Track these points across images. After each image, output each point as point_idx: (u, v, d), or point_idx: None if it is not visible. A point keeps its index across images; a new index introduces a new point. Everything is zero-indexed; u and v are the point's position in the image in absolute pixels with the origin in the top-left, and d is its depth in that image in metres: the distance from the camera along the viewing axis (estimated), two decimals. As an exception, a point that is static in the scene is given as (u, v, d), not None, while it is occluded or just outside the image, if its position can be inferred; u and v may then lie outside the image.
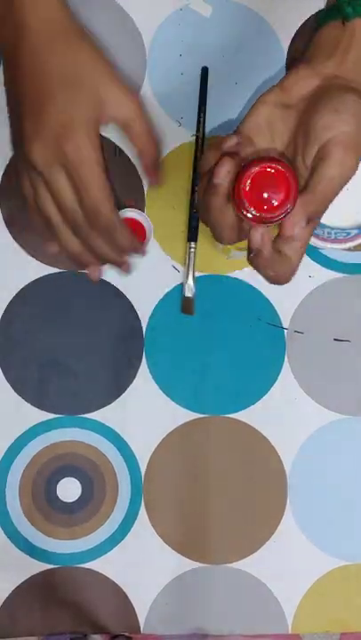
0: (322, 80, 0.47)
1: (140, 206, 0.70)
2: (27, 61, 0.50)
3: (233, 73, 0.71)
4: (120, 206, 0.68)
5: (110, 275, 0.69)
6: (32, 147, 0.49)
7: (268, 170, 0.45)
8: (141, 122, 0.54)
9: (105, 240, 0.54)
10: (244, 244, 0.67)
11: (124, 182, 0.70)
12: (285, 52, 0.72)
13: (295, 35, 0.71)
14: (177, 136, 0.71)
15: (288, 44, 0.72)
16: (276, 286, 0.69)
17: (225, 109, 0.71)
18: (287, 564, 0.69)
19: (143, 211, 0.70)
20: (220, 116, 0.71)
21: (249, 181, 0.45)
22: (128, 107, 0.52)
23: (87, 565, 0.68)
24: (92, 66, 0.51)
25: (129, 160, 0.70)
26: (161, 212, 0.70)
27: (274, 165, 0.45)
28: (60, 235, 0.55)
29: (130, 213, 0.68)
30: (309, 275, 0.71)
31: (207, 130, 0.71)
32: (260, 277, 0.70)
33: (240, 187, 0.45)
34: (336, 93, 0.45)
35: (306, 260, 0.70)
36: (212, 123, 0.71)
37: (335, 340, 0.71)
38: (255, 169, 0.45)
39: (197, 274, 0.70)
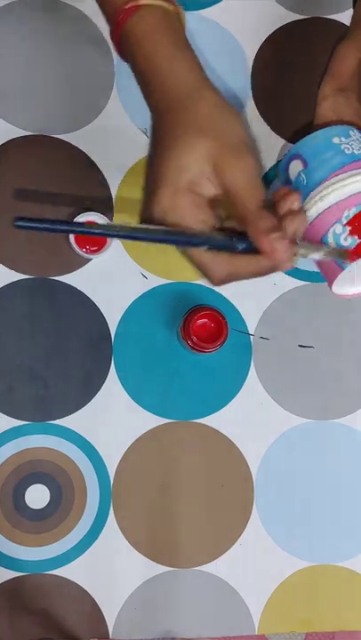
0: None
1: (107, 213, 0.70)
2: (155, 123, 0.50)
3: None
4: (82, 209, 0.69)
5: (79, 282, 0.70)
6: (150, 203, 0.48)
7: None
8: (245, 195, 0.48)
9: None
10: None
11: (93, 189, 0.71)
12: (249, 64, 0.73)
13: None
14: (143, 145, 0.71)
15: (252, 56, 0.73)
16: (241, 294, 0.71)
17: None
18: (254, 566, 0.70)
19: (112, 218, 0.71)
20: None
21: None
22: (236, 174, 0.48)
23: (55, 572, 0.68)
24: (207, 121, 0.49)
25: (97, 167, 0.71)
26: (129, 219, 0.71)
27: None
28: None
29: (91, 217, 0.69)
30: (274, 282, 0.73)
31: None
32: (225, 284, 0.72)
33: None
34: None
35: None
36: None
37: (300, 346, 0.73)
38: None
39: (165, 281, 0.71)
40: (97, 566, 0.68)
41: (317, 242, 0.55)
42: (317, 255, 0.49)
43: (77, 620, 0.68)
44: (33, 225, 0.45)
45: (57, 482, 0.68)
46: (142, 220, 0.48)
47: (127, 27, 0.52)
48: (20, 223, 0.44)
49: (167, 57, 0.51)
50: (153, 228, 0.46)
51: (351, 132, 0.56)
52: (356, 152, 0.55)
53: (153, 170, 0.48)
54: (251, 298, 0.72)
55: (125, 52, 0.53)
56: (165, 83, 0.50)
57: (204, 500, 0.70)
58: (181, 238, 0.46)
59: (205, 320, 0.66)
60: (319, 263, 0.59)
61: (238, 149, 0.47)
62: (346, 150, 0.55)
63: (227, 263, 0.48)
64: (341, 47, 0.50)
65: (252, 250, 0.46)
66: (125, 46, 0.53)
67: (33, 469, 0.68)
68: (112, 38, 0.54)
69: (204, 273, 0.48)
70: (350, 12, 0.74)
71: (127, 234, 0.46)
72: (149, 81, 0.51)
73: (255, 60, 0.74)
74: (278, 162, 0.72)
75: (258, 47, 0.74)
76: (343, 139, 0.56)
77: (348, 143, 0.56)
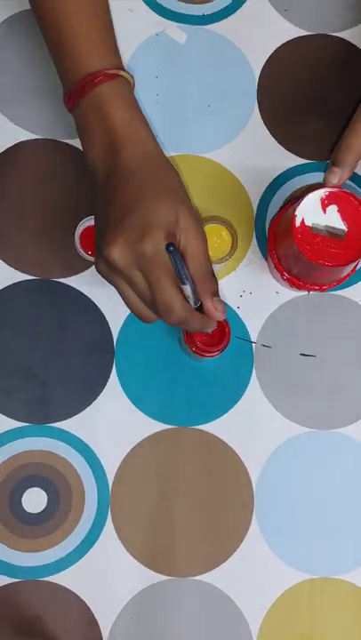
0: None
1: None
2: (119, 180, 0.58)
3: (205, 96, 0.74)
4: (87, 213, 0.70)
5: (82, 285, 0.70)
6: (112, 249, 0.55)
7: None
8: (200, 260, 0.58)
9: (181, 326, 0.59)
10: (217, 257, 0.69)
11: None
12: (256, 78, 0.75)
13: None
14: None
15: (258, 70, 0.75)
16: (244, 300, 0.71)
17: (198, 130, 0.73)
18: (253, 578, 0.69)
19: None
20: (194, 136, 0.73)
21: None
22: (195, 240, 0.58)
23: (51, 579, 0.67)
24: (176, 187, 0.60)
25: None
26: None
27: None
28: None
29: (92, 222, 0.69)
30: (277, 291, 0.73)
31: (181, 150, 0.73)
32: (228, 292, 0.72)
33: None
34: None
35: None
36: (185, 143, 0.73)
37: (302, 354, 0.72)
38: None
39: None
40: (93, 573, 0.67)
41: None
42: None
43: (71, 629, 0.66)
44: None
45: (55, 486, 0.68)
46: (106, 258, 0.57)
47: (102, 89, 0.61)
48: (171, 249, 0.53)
49: (142, 125, 0.62)
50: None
51: None
52: None
53: (134, 214, 0.55)
54: (253, 306, 0.72)
55: (86, 109, 0.61)
56: (144, 146, 0.60)
57: (203, 509, 0.69)
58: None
59: None
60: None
61: (197, 218, 0.58)
62: None
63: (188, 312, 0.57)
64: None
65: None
66: (90, 105, 0.61)
67: (30, 472, 0.67)
68: (75, 92, 0.61)
69: (167, 312, 0.56)
70: (355, 29, 0.77)
71: None
72: (125, 140, 0.59)
73: (261, 74, 0.75)
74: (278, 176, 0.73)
75: (264, 62, 0.75)
76: None
77: None
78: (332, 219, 0.61)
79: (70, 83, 0.62)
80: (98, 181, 0.60)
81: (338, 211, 0.61)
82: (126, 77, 0.63)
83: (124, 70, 0.63)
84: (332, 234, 0.59)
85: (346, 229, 0.61)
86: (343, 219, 0.62)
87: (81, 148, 0.71)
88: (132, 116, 0.61)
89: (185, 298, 0.57)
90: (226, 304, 0.71)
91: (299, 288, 0.69)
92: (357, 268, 0.70)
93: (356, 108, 0.65)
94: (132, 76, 0.64)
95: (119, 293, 0.60)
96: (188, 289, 0.56)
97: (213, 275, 0.59)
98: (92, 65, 0.61)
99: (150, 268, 0.55)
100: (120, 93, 0.61)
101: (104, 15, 0.65)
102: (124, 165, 0.59)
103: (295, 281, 0.68)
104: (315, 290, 0.69)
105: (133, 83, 0.64)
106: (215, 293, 0.58)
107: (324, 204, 0.61)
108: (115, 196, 0.58)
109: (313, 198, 0.61)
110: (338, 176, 0.63)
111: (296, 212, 0.60)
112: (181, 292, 0.56)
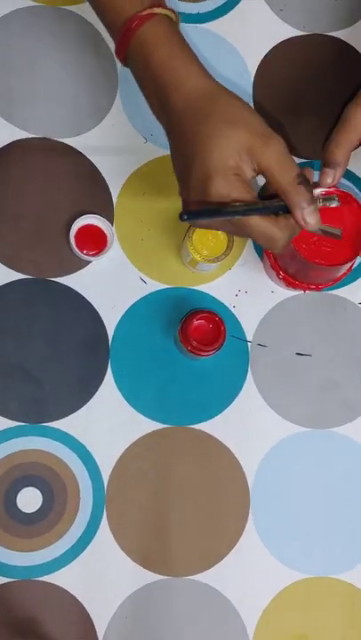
0: None
1: (108, 218, 0.71)
2: (174, 134, 0.56)
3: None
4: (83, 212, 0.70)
5: (77, 284, 0.70)
6: (186, 208, 0.56)
7: None
8: (280, 170, 0.54)
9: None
10: (213, 255, 0.69)
11: (94, 192, 0.71)
12: (251, 77, 0.75)
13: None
14: (145, 152, 0.73)
15: (254, 68, 0.75)
16: (240, 299, 0.71)
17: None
18: (249, 577, 0.68)
19: (112, 223, 0.71)
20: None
21: None
22: (267, 154, 0.53)
23: (46, 578, 0.66)
24: (230, 112, 0.54)
25: (99, 172, 0.72)
26: (129, 224, 0.72)
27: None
28: None
29: (90, 219, 0.69)
30: (272, 290, 0.73)
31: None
32: (224, 291, 0.72)
33: None
34: None
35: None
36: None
37: (297, 354, 0.72)
38: None
39: (163, 286, 0.71)
40: (88, 573, 0.67)
41: None
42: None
43: (66, 629, 0.66)
44: (196, 216, 0.54)
45: (50, 485, 0.67)
46: (188, 209, 0.56)
47: (140, 33, 0.56)
48: (185, 217, 0.53)
49: (183, 61, 0.56)
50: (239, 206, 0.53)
51: None
52: None
53: (195, 163, 0.53)
54: (249, 305, 0.72)
55: (134, 58, 0.57)
56: (186, 84, 0.55)
57: (198, 508, 0.69)
58: (260, 209, 0.53)
59: (202, 321, 0.66)
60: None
61: (266, 135, 0.53)
62: None
63: (286, 229, 0.54)
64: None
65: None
66: (135, 52, 0.56)
67: (25, 472, 0.67)
68: (120, 45, 0.57)
69: (270, 242, 0.54)
70: (350, 29, 0.77)
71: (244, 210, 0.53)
72: (166, 84, 0.55)
73: (257, 73, 0.75)
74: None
75: (259, 61, 0.75)
76: None
77: None
78: (329, 218, 0.61)
79: (115, 38, 0.58)
80: (167, 136, 0.58)
81: (334, 210, 0.61)
82: (165, 14, 0.57)
83: (160, 7, 0.57)
84: (328, 233, 0.59)
85: (342, 229, 0.61)
86: (339, 218, 0.62)
87: (75, 146, 0.71)
88: (170, 54, 0.56)
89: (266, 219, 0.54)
90: (221, 303, 0.72)
91: (294, 287, 0.69)
92: (353, 267, 0.70)
93: (344, 108, 0.66)
94: (174, 11, 0.58)
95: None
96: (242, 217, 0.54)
97: (304, 179, 0.53)
98: (126, 12, 0.56)
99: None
100: (157, 33, 0.56)
101: None
102: (174, 115, 0.55)
103: (291, 280, 0.68)
104: (311, 289, 0.69)
105: (176, 17, 0.58)
106: (309, 201, 0.53)
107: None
108: (175, 153, 0.56)
109: None
110: (331, 176, 0.63)
111: None
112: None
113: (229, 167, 0.52)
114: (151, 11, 0.56)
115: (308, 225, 0.54)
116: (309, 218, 0.53)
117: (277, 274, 0.68)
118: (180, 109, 0.54)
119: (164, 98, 0.55)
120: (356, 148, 0.62)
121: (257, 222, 0.53)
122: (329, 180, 0.63)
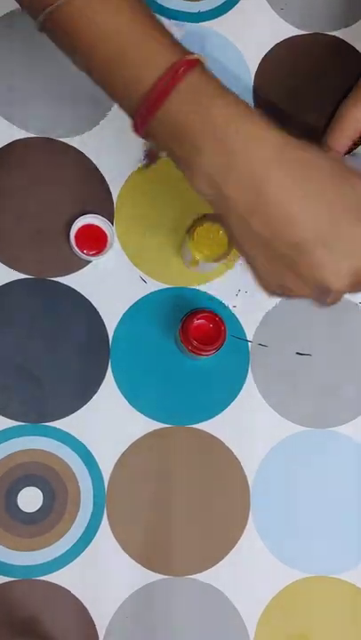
0: None
1: (109, 218, 0.71)
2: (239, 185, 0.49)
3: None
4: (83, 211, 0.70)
5: (78, 284, 0.70)
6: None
7: None
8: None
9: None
10: (214, 255, 0.68)
11: (95, 191, 0.71)
12: (251, 76, 0.75)
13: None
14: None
15: (254, 67, 0.75)
16: (241, 299, 0.71)
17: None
18: (249, 577, 0.68)
19: (112, 223, 0.71)
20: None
21: None
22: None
23: (47, 578, 0.66)
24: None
25: (99, 171, 0.72)
26: (130, 224, 0.72)
27: None
28: None
29: (91, 219, 0.69)
30: (273, 290, 0.73)
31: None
32: (224, 291, 0.72)
33: None
34: None
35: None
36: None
37: (297, 353, 0.72)
38: None
39: (164, 286, 0.71)
40: (89, 573, 0.67)
41: None
42: None
43: (67, 628, 0.66)
44: None
45: (50, 485, 0.67)
46: None
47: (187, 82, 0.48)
48: None
49: (242, 117, 0.50)
50: None
51: None
52: None
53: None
54: (249, 305, 0.72)
55: (178, 110, 0.49)
56: (247, 153, 0.49)
57: (199, 507, 0.69)
58: None
59: (203, 321, 0.66)
60: None
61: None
62: None
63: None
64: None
65: None
66: (183, 103, 0.49)
67: (26, 472, 0.67)
68: (151, 100, 0.49)
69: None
70: (350, 28, 0.76)
71: None
72: (231, 151, 0.49)
73: (257, 72, 0.75)
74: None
75: (260, 60, 0.75)
76: None
77: None
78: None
79: (142, 91, 0.49)
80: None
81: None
82: (201, 60, 0.50)
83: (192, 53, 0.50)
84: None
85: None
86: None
87: (75, 146, 0.71)
88: (236, 107, 0.49)
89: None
90: (222, 303, 0.72)
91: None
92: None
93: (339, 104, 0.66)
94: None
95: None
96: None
97: None
98: (166, 59, 0.49)
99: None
100: (210, 79, 0.50)
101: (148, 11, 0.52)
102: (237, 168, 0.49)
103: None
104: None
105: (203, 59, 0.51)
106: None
107: None
108: (239, 246, 0.54)
109: None
110: None
111: None
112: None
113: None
114: (194, 57, 0.49)
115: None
116: None
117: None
118: (239, 195, 0.49)
119: (225, 170, 0.49)
120: (355, 148, 0.62)
121: None
122: None
